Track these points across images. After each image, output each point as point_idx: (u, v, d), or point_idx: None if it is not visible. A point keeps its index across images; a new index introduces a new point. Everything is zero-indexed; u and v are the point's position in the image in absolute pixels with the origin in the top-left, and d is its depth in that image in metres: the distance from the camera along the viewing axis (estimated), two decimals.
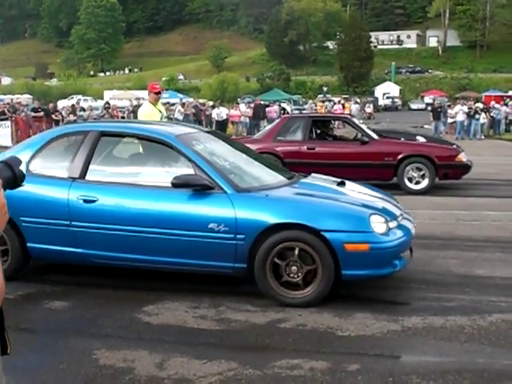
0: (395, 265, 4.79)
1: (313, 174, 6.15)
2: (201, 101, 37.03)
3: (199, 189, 4.84)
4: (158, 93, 8.16)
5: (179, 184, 4.85)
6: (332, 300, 4.80)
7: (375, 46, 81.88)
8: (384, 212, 4.97)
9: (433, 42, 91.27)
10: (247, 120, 28.05)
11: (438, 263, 5.95)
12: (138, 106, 19.46)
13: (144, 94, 35.52)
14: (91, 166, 5.28)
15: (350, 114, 19.11)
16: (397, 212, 5.22)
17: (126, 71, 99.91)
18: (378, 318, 4.47)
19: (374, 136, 11.21)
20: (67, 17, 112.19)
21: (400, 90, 67.07)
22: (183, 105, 28.52)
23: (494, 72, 74.22)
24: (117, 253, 5.07)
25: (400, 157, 10.77)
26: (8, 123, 23.29)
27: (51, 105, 26.33)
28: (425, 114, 36.83)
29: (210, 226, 4.74)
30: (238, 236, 4.72)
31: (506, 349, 3.94)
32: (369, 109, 46.30)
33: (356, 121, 12.35)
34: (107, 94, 58.72)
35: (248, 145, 8.00)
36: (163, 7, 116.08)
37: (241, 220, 4.71)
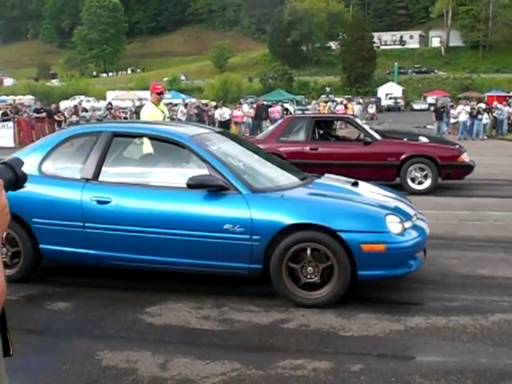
0: (410, 265, 4.79)
1: (326, 175, 6.11)
2: (203, 101, 37.05)
3: (214, 189, 4.82)
4: (160, 93, 8.16)
5: (194, 185, 4.82)
6: None
7: (378, 47, 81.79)
8: (399, 212, 4.96)
9: (435, 42, 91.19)
10: (250, 120, 28.05)
11: (440, 263, 5.94)
12: (141, 106, 19.48)
13: (146, 94, 35.59)
14: (104, 167, 5.25)
15: (352, 115, 19.11)
16: (411, 212, 5.22)
17: (129, 72, 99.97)
18: (380, 318, 4.47)
19: (377, 136, 11.20)
20: (69, 17, 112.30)
21: (403, 90, 67.06)
22: (186, 105, 28.52)
23: (496, 72, 74.12)
24: (131, 254, 5.04)
25: (403, 157, 10.76)
26: (10, 124, 23.35)
27: (53, 106, 26.40)
28: (427, 115, 36.81)
29: (226, 226, 4.72)
30: (254, 237, 4.69)
31: (508, 348, 3.94)
32: (371, 109, 46.25)
33: (359, 121, 12.35)
34: (110, 95, 58.79)
35: None
36: (165, 7, 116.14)
37: (257, 221, 4.68)
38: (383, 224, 4.66)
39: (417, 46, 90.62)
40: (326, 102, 42.53)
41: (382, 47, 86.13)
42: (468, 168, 11.08)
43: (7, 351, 2.04)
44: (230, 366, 3.69)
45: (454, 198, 10.45)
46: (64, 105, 37.82)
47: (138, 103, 31.55)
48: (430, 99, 59.30)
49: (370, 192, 5.57)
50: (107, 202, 5.03)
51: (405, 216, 4.95)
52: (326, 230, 4.59)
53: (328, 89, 66.18)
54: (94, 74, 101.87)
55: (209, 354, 3.85)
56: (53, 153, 5.49)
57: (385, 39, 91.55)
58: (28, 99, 48.12)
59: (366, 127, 11.87)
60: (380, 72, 76.02)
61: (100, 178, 5.20)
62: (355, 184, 5.64)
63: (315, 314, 4.57)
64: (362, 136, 11.37)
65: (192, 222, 4.84)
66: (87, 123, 6.47)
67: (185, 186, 4.87)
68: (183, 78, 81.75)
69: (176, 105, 32.43)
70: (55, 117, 24.25)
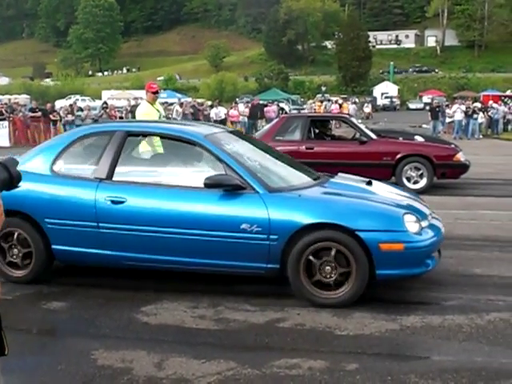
0: (427, 264, 4.79)
1: (339, 174, 6.09)
2: (199, 100, 37.03)
3: (230, 189, 4.78)
4: (156, 92, 8.14)
5: (212, 184, 4.78)
6: None
7: (374, 46, 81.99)
8: (415, 211, 4.96)
9: (431, 41, 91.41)
10: (246, 120, 28.05)
11: None
12: (136, 105, 19.42)
13: (142, 93, 35.52)
14: (118, 167, 5.18)
15: (348, 114, 19.11)
16: (427, 211, 5.22)
17: (124, 71, 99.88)
18: (376, 317, 4.48)
19: (373, 136, 11.21)
20: (65, 16, 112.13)
21: (398, 89, 67.18)
22: (181, 105, 28.49)
23: (492, 72, 74.36)
24: (146, 254, 4.99)
25: (398, 156, 10.77)
26: (6, 123, 23.29)
27: (49, 105, 26.32)
28: (423, 114, 36.84)
29: (243, 226, 4.68)
30: (272, 236, 4.66)
31: (503, 347, 3.95)
32: (367, 108, 46.32)
33: (354, 120, 12.35)
34: (105, 94, 58.71)
35: None
36: (161, 7, 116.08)
37: (274, 220, 4.65)
38: (401, 223, 4.65)
39: (412, 45, 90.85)
40: (322, 102, 42.54)
41: (377, 46, 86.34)
42: (463, 167, 11.10)
43: (2, 351, 2.04)
44: (225, 365, 3.68)
45: (449, 197, 10.46)
46: (59, 104, 37.72)
47: (133, 102, 31.48)
48: (426, 98, 59.45)
49: (384, 191, 5.56)
50: (122, 202, 4.97)
51: (421, 215, 4.95)
52: (344, 229, 4.56)
53: (324, 88, 66.25)
54: (90, 73, 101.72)
55: (204, 354, 3.85)
56: (65, 152, 5.42)
57: (380, 39, 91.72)
58: (23, 98, 48.03)
59: (362, 126, 11.87)
60: (375, 71, 76.17)
61: (114, 178, 5.14)
62: (369, 183, 5.62)
63: (311, 313, 4.57)
64: (357, 135, 11.37)
65: (208, 221, 4.79)
66: (99, 123, 6.37)
67: (200, 185, 4.84)
68: (177, 77, 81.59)
69: (171, 104, 32.40)
70: (50, 116, 24.19)
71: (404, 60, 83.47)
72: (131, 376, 3.56)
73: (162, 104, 16.48)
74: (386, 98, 63.02)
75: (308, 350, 3.92)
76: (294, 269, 4.66)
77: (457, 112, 26.83)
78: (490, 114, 28.95)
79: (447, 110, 28.82)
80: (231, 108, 29.60)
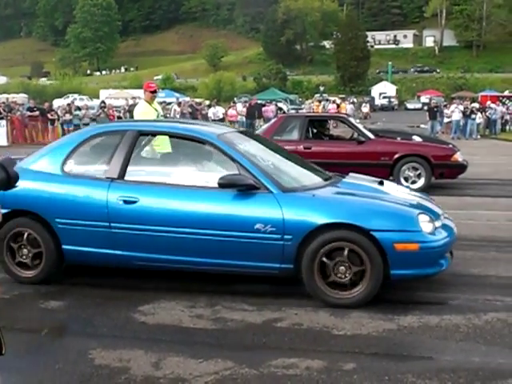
0: (441, 264, 4.80)
1: (350, 174, 6.08)
2: (197, 100, 37.02)
3: (244, 189, 4.75)
4: (154, 91, 8.13)
5: (226, 184, 4.76)
6: None
7: (372, 46, 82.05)
8: (428, 211, 4.96)
9: (429, 41, 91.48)
10: (244, 119, 28.06)
11: None
12: (134, 105, 19.43)
13: (140, 93, 35.50)
14: (129, 166, 5.14)
15: (346, 114, 19.13)
16: (439, 211, 5.22)
17: (122, 70, 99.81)
18: (373, 317, 4.48)
19: (371, 136, 11.22)
20: (63, 15, 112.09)
21: (396, 89, 67.22)
22: (179, 104, 28.48)
23: (490, 72, 74.42)
24: (159, 254, 4.95)
25: (396, 156, 10.79)
26: (3, 122, 23.25)
27: (47, 104, 26.30)
28: (421, 114, 36.87)
29: (257, 226, 4.66)
30: (286, 236, 4.64)
31: (501, 347, 3.95)
32: (365, 108, 46.33)
33: (352, 120, 12.37)
34: (103, 93, 58.63)
35: None
36: (159, 6, 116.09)
37: (288, 220, 4.63)
38: (416, 223, 4.64)
39: (411, 45, 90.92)
40: (320, 102, 42.57)
41: (375, 46, 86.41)
42: (461, 167, 11.12)
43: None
44: (222, 364, 3.68)
45: (447, 197, 10.46)
46: (57, 103, 37.74)
47: (131, 102, 31.46)
48: (424, 99, 59.52)
49: (396, 191, 5.55)
50: (134, 202, 4.93)
51: (434, 215, 4.95)
52: (359, 229, 4.55)
53: (322, 88, 66.26)
54: (88, 72, 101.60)
55: (202, 353, 3.84)
56: (75, 152, 5.36)
57: (379, 38, 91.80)
58: (21, 97, 47.98)
59: (360, 126, 11.88)
60: (373, 71, 76.24)
61: (125, 178, 5.10)
62: (381, 183, 5.62)
63: (308, 312, 4.58)
64: (355, 135, 11.38)
65: (222, 221, 4.76)
66: (110, 122, 6.31)
67: (213, 185, 4.82)
68: (175, 77, 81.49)
69: (170, 103, 32.38)
70: (48, 115, 24.19)
71: (402, 60, 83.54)
72: (128, 375, 3.55)
73: (160, 103, 16.46)
74: (384, 97, 63.07)
75: (305, 349, 3.92)
76: (308, 269, 4.65)
77: (455, 112, 26.87)
78: (487, 114, 28.99)
79: (445, 110, 28.83)
80: (229, 108, 29.59)
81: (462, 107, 27.31)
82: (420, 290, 5.11)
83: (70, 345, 4.06)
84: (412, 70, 79.31)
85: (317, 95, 55.69)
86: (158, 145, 5.93)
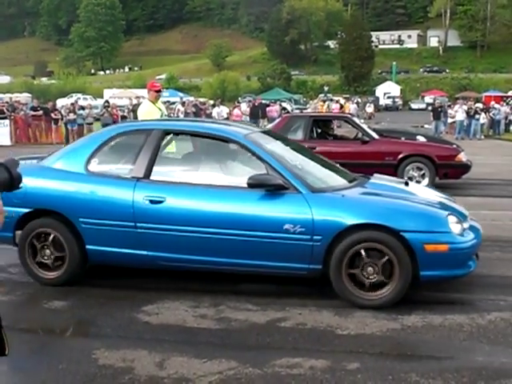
0: (469, 265, 4.79)
1: (375, 175, 6.05)
2: (201, 100, 37.03)
3: (272, 189, 4.72)
4: (159, 91, 8.13)
5: (255, 184, 4.71)
6: (332, 299, 4.80)
7: (376, 46, 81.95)
8: (456, 212, 4.95)
9: (433, 41, 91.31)
10: (248, 119, 28.06)
11: None
12: (138, 104, 19.45)
13: (144, 92, 35.51)
14: (155, 166, 5.10)
15: (350, 114, 19.11)
16: (466, 212, 5.21)
17: (126, 70, 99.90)
18: (377, 316, 4.48)
19: (375, 135, 11.21)
20: (67, 15, 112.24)
21: (401, 89, 67.16)
22: (183, 104, 28.49)
23: (494, 72, 74.31)
24: (186, 255, 4.90)
25: (400, 156, 10.78)
26: (7, 122, 23.28)
27: (50, 103, 26.32)
28: (425, 114, 36.84)
29: (286, 227, 4.62)
30: (315, 237, 4.60)
31: (504, 347, 3.95)
32: (369, 108, 46.27)
33: (357, 120, 12.36)
34: (107, 93, 58.70)
35: None
36: (163, 5, 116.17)
37: (318, 221, 4.59)
38: (446, 224, 4.63)
39: (415, 45, 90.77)
40: (325, 101, 42.54)
41: (380, 46, 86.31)
42: (465, 167, 11.11)
43: (3, 350, 2.04)
44: (226, 364, 3.69)
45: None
46: (61, 103, 37.75)
47: (135, 101, 31.44)
48: (428, 99, 59.52)
49: (423, 192, 5.52)
50: (161, 202, 4.89)
51: (462, 216, 4.95)
52: (388, 230, 4.52)
53: (326, 88, 66.22)
54: (92, 71, 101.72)
55: (206, 353, 3.85)
56: (99, 151, 5.30)
57: (383, 38, 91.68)
58: (25, 97, 48.02)
59: (364, 126, 11.88)
60: (376, 71, 76.18)
61: (151, 177, 5.06)
62: (406, 184, 5.60)
63: (312, 312, 4.58)
64: (359, 135, 11.38)
65: (250, 222, 4.71)
66: (135, 121, 6.25)
67: (240, 185, 4.80)
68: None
69: (173, 103, 32.40)
70: (52, 115, 24.20)
71: (406, 60, 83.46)
72: (132, 375, 3.56)
73: (164, 103, 16.45)
74: (389, 98, 63.02)
75: (309, 349, 3.92)
76: (337, 269, 4.62)
77: (459, 112, 26.82)
78: (491, 114, 28.92)
79: (449, 111, 28.79)
80: (234, 108, 29.58)
81: (465, 108, 27.26)
82: (423, 290, 5.10)
83: (73, 345, 4.06)
84: (421, 69, 79.32)
85: (321, 95, 55.66)
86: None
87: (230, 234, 4.74)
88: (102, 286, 5.29)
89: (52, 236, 5.16)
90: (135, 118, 14.20)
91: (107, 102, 30.03)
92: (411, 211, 4.76)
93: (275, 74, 72.84)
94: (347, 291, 4.65)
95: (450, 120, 28.32)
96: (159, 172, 5.10)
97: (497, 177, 13.14)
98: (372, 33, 77.93)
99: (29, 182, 5.08)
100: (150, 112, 7.78)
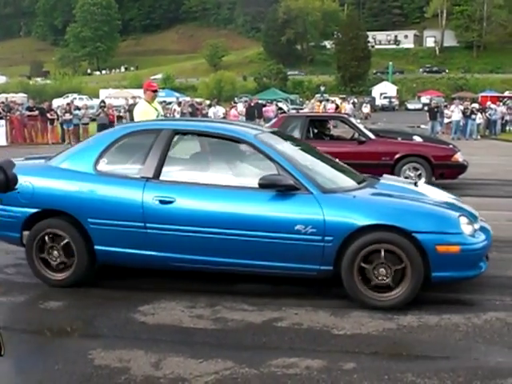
0: (481, 267, 4.79)
1: (384, 175, 6.03)
2: (197, 100, 37.02)
3: (283, 189, 4.70)
4: (155, 91, 8.12)
5: (266, 184, 4.69)
6: (328, 299, 4.81)
7: (372, 46, 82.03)
8: (467, 213, 4.96)
9: (430, 42, 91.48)
10: (244, 119, 28.05)
11: None
12: (134, 104, 19.42)
13: (140, 92, 35.45)
14: (165, 166, 5.06)
15: (346, 114, 19.15)
16: (476, 213, 5.21)
17: (122, 70, 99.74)
18: (373, 316, 4.48)
19: (371, 136, 11.23)
20: (62, 15, 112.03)
21: (397, 90, 67.25)
22: (179, 104, 28.47)
23: (490, 72, 74.49)
24: (197, 255, 4.87)
25: (397, 156, 10.80)
26: (3, 122, 23.23)
27: (46, 104, 26.27)
28: (421, 114, 36.89)
29: (297, 227, 4.60)
30: (326, 238, 4.58)
31: (500, 346, 3.96)
32: (366, 109, 46.30)
33: (353, 120, 12.37)
34: (103, 93, 58.55)
35: None
36: (160, 5, 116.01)
37: (329, 222, 4.57)
38: (458, 225, 4.62)
39: (411, 45, 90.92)
40: (321, 102, 42.56)
41: (376, 47, 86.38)
42: (461, 167, 11.14)
43: None
44: (223, 364, 3.69)
45: None
46: (57, 103, 37.70)
47: (131, 101, 31.42)
48: (424, 99, 59.58)
49: (432, 192, 5.51)
50: (171, 202, 4.85)
51: (472, 217, 4.95)
52: (400, 231, 4.51)
53: (323, 88, 66.25)
54: (88, 71, 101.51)
55: (202, 353, 3.85)
56: (108, 151, 5.25)
57: (379, 39, 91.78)
58: (20, 97, 47.87)
59: (361, 126, 11.89)
60: (372, 72, 76.29)
61: (161, 178, 5.01)
62: (415, 184, 5.60)
63: (308, 312, 4.58)
64: (356, 135, 11.39)
65: (261, 222, 4.69)
66: (144, 121, 6.22)
67: (250, 185, 4.79)
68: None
69: (170, 103, 32.38)
70: (48, 115, 24.16)
71: (403, 60, 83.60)
72: (128, 376, 3.56)
73: (161, 103, 16.45)
74: (385, 98, 63.15)
75: (305, 349, 3.92)
76: (348, 270, 4.60)
77: (455, 112, 26.87)
78: (488, 114, 28.99)
79: (445, 111, 28.85)
80: (231, 108, 29.57)
81: (462, 107, 27.33)
82: (419, 290, 5.10)
83: (69, 345, 4.06)
84: (421, 70, 79.46)
85: (317, 95, 55.68)
86: None
87: (240, 235, 4.71)
88: (98, 287, 5.28)
89: (60, 236, 5.12)
90: (131, 118, 14.17)
91: (103, 102, 30.01)
92: (423, 212, 4.75)
93: (271, 74, 72.87)
94: (359, 292, 4.63)
95: (446, 120, 28.39)
96: (169, 172, 5.07)
97: (493, 177, 13.17)
98: (368, 33, 78.00)
99: (37, 182, 5.07)
100: (146, 112, 7.76)
